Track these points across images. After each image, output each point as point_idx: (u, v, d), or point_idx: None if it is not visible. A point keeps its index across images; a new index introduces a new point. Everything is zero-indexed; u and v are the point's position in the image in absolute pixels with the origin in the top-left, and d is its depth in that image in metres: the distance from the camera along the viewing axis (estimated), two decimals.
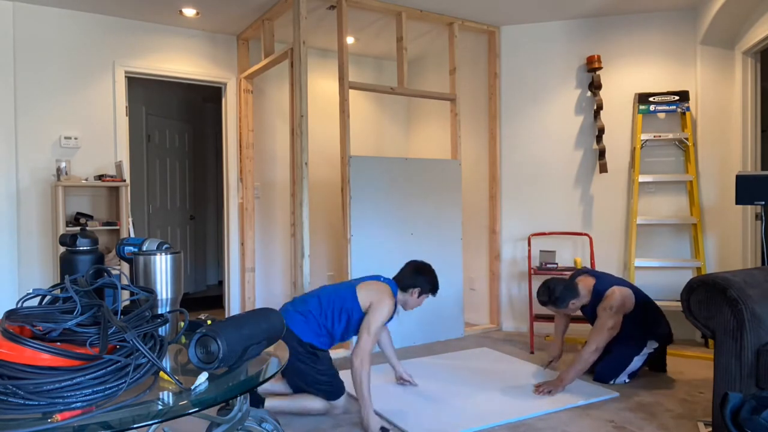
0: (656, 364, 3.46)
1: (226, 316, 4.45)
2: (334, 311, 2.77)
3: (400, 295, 2.89)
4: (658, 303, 4.13)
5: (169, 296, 1.45)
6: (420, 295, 2.88)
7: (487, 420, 2.65)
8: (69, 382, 0.97)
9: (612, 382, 3.20)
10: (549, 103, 4.54)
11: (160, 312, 1.42)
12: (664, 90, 4.23)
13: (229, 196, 4.74)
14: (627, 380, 3.23)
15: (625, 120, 4.35)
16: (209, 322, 1.42)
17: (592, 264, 4.11)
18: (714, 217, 4.11)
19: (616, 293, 3.19)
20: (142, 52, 4.37)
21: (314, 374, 2.69)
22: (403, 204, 4.10)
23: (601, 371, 3.23)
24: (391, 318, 2.76)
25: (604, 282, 3.29)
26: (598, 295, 3.26)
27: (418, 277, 2.87)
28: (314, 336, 2.74)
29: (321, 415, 2.75)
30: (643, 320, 3.26)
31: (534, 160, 4.58)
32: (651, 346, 3.26)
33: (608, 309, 3.14)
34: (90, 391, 0.98)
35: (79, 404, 0.96)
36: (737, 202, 3.37)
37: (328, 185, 5.16)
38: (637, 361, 3.22)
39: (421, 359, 3.71)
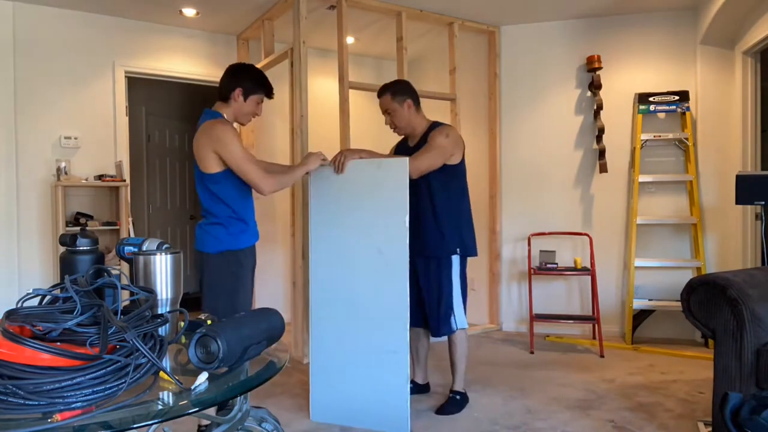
0: None
1: None
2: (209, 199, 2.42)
3: (227, 111, 2.42)
4: (657, 303, 4.14)
5: (169, 296, 1.44)
6: (245, 96, 2.40)
7: None
8: (69, 382, 0.97)
9: (454, 327, 2.83)
10: (549, 103, 4.54)
11: (160, 312, 1.42)
12: (664, 90, 4.23)
13: None
14: (465, 320, 2.86)
15: (625, 120, 4.35)
16: (209, 322, 1.42)
17: (592, 264, 4.11)
18: (714, 217, 4.11)
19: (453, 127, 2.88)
20: (142, 52, 4.37)
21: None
22: None
23: (438, 327, 2.84)
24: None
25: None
26: (428, 132, 2.86)
27: (234, 79, 2.41)
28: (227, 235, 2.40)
29: None
30: (452, 209, 2.84)
31: (534, 160, 4.58)
32: (456, 264, 2.83)
33: (443, 134, 2.78)
34: (90, 391, 0.98)
35: (79, 404, 0.96)
36: (737, 202, 3.37)
37: None
38: (456, 289, 2.82)
39: None
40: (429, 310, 2.88)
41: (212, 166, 2.34)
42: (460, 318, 2.86)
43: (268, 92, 2.49)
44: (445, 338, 2.94)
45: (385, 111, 2.89)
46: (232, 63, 2.54)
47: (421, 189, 2.82)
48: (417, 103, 2.90)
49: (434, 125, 2.89)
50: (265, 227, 4.85)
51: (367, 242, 2.62)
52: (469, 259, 2.96)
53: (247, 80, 2.42)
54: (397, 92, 2.85)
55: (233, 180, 2.39)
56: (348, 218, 2.67)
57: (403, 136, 3.04)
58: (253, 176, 2.31)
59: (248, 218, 2.48)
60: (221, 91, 2.45)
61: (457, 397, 2.91)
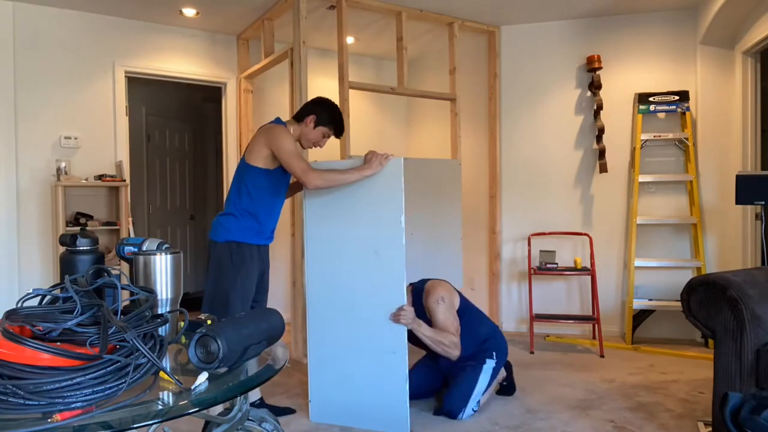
0: (505, 388, 3.14)
1: None
2: (239, 190, 2.56)
3: (294, 127, 2.63)
4: (657, 303, 4.14)
5: (169, 296, 1.44)
6: (316, 125, 2.61)
7: None
8: (69, 382, 0.97)
9: (460, 416, 2.75)
10: (549, 103, 4.54)
11: (160, 312, 1.42)
12: (664, 90, 4.23)
13: None
14: (475, 408, 2.83)
15: (625, 120, 4.35)
16: (209, 322, 1.42)
17: (593, 264, 4.11)
18: (714, 217, 4.11)
19: (434, 283, 2.96)
20: (142, 52, 4.37)
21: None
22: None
23: (450, 403, 2.78)
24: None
25: (419, 282, 3.06)
26: (417, 292, 2.99)
27: (314, 106, 2.64)
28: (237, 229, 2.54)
29: None
30: (476, 332, 2.95)
31: (534, 160, 4.58)
32: (490, 366, 2.88)
33: (439, 301, 2.88)
34: (90, 391, 0.98)
35: (79, 404, 0.96)
36: (737, 202, 3.37)
37: None
38: (481, 384, 2.83)
39: None
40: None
41: (258, 160, 2.51)
42: (468, 413, 2.79)
43: (338, 131, 2.67)
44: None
45: None
46: (320, 97, 2.72)
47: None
48: None
49: (416, 291, 2.98)
50: None
51: (363, 243, 2.62)
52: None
53: (324, 112, 2.62)
54: None
55: (270, 181, 2.54)
56: (344, 219, 2.67)
57: None
58: (298, 169, 2.42)
59: (264, 220, 2.57)
60: (299, 112, 2.67)
61: None
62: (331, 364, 2.71)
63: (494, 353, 2.91)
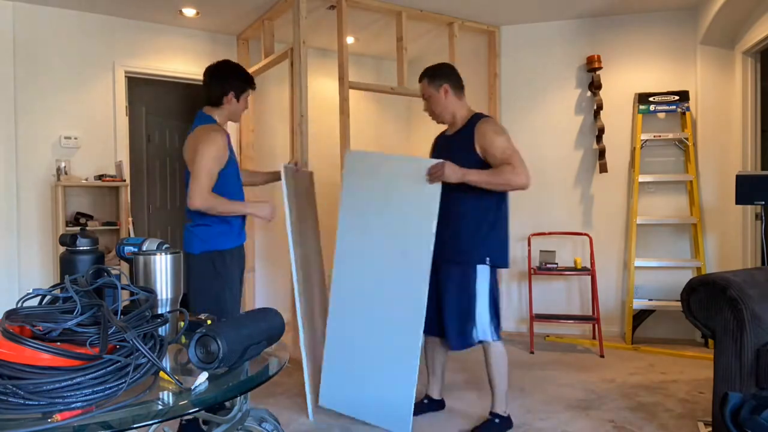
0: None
1: None
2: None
3: (217, 115, 2.45)
4: (657, 303, 4.14)
5: (169, 296, 1.44)
6: (238, 97, 2.46)
7: None
8: (69, 382, 0.96)
9: (474, 339, 2.53)
10: (549, 103, 4.54)
11: (160, 312, 1.42)
12: (664, 90, 4.23)
13: None
14: (495, 333, 2.55)
15: (625, 120, 4.35)
16: (209, 321, 1.42)
17: (593, 264, 4.11)
18: (714, 217, 4.11)
19: (492, 119, 2.61)
20: (142, 52, 4.37)
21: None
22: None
23: (455, 340, 2.57)
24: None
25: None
26: (472, 122, 2.60)
27: (223, 83, 2.42)
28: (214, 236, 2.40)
29: None
30: (483, 219, 2.56)
31: (534, 160, 4.57)
32: (484, 271, 2.55)
33: (500, 132, 2.51)
34: (90, 391, 0.98)
35: (79, 404, 0.96)
36: (737, 202, 3.37)
37: (329, 185, 5.15)
38: (482, 291, 2.53)
39: None
40: (447, 319, 2.60)
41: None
42: (482, 330, 2.54)
43: (253, 86, 2.56)
44: (466, 350, 2.66)
45: (423, 96, 2.72)
46: (211, 64, 2.50)
47: (455, 190, 2.54)
48: (457, 89, 2.67)
49: (477, 116, 2.63)
50: (266, 227, 4.85)
51: (392, 243, 2.63)
52: None
53: (236, 81, 2.45)
54: (435, 77, 2.66)
55: (221, 182, 2.39)
56: (377, 216, 2.68)
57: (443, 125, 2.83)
58: (194, 186, 2.29)
59: (233, 220, 2.45)
60: (211, 97, 2.45)
61: (496, 420, 2.60)
62: (344, 354, 2.74)
63: (487, 258, 2.56)
